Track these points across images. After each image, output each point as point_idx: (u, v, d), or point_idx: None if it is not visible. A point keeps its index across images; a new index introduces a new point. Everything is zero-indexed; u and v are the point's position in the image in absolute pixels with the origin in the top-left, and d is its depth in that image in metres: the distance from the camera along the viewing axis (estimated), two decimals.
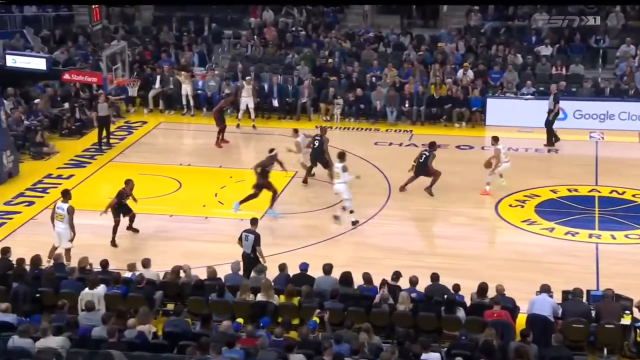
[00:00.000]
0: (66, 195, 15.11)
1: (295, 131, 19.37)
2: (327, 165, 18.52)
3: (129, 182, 16.22)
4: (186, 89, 24.14)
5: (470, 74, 24.40)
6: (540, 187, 18.86)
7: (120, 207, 16.08)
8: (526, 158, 21.25)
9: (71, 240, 14.85)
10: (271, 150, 17.49)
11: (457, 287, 12.79)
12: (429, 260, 15.17)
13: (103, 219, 16.08)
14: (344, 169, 16.86)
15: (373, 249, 15.84)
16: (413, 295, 12.58)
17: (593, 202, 18.12)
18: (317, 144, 18.66)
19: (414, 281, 12.97)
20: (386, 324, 12.20)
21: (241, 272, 13.60)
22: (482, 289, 12.61)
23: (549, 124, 21.66)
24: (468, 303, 12.61)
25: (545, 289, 12.36)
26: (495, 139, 18.38)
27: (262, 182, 16.91)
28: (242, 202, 16.94)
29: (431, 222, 17.68)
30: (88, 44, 26.82)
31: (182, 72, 24.20)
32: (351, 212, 16.77)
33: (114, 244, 16.01)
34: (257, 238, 14.06)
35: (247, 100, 23.14)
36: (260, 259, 14.00)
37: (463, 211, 17.49)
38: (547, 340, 11.49)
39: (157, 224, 17.03)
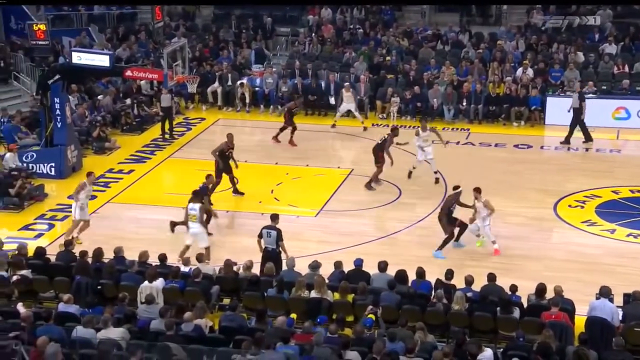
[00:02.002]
0: (196, 195, 15.10)
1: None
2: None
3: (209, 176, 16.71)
4: (244, 92, 24.48)
5: (530, 72, 24.03)
6: (601, 187, 18.48)
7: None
8: (587, 158, 20.84)
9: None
10: (456, 188, 15.73)
11: (514, 288, 12.63)
12: (486, 260, 15.02)
13: (162, 213, 16.37)
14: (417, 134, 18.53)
15: (429, 248, 15.72)
16: (469, 294, 12.48)
17: None
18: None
19: (469, 281, 12.86)
20: (441, 323, 12.14)
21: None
22: (540, 289, 12.44)
23: (581, 122, 21.25)
24: (525, 304, 12.45)
25: (605, 293, 12.08)
26: (478, 191, 15.59)
27: (447, 225, 15.47)
28: (440, 248, 15.42)
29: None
30: (149, 41, 27.33)
31: (245, 84, 24.46)
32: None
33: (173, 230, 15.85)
34: (280, 233, 14.16)
35: (347, 105, 23.13)
36: (284, 254, 14.09)
37: (521, 211, 17.23)
38: (607, 343, 11.27)
39: (214, 219, 17.24)
